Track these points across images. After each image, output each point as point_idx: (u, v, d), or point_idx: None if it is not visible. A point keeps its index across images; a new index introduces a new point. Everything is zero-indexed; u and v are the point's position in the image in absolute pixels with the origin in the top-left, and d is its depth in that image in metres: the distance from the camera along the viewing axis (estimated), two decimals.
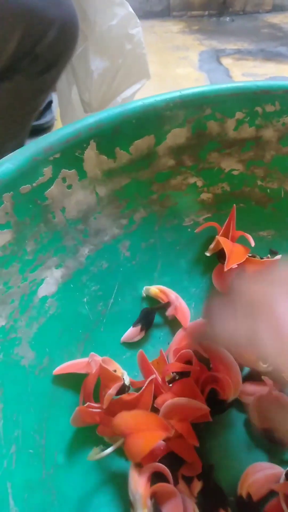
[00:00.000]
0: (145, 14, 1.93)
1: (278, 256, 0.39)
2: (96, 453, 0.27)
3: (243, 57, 1.52)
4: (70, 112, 0.79)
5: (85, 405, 0.30)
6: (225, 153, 0.40)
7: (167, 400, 0.29)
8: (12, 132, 0.30)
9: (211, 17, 1.96)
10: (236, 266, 0.37)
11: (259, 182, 0.42)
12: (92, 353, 0.33)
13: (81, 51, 0.70)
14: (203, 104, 0.37)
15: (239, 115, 0.38)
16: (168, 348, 0.36)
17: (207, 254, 0.41)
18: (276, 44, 1.63)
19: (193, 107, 0.37)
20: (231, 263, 0.37)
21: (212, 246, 0.41)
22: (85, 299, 0.35)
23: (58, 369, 0.32)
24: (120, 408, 0.29)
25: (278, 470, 0.29)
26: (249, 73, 1.37)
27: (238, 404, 0.33)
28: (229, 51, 1.58)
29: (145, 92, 0.52)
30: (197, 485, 0.28)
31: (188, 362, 0.33)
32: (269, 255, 0.41)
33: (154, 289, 0.39)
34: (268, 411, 0.29)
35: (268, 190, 0.42)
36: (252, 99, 0.38)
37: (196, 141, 0.39)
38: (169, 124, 0.37)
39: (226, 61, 1.47)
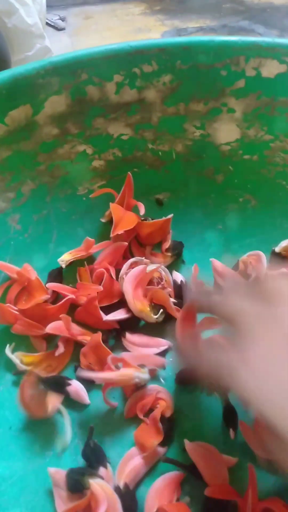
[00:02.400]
0: None
1: (170, 215, 0.39)
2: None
3: (206, 35, 1.49)
4: None
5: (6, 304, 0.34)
6: (111, 118, 0.40)
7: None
8: None
9: None
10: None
11: (150, 146, 0.41)
12: (26, 263, 0.36)
13: None
14: (77, 69, 0.37)
15: (117, 78, 0.38)
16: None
17: (102, 220, 0.41)
18: (238, 19, 1.61)
19: (67, 73, 0.37)
20: (118, 229, 0.37)
21: (107, 212, 0.41)
22: None
23: None
24: (37, 312, 0.34)
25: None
26: None
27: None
28: (191, 30, 1.56)
29: None
30: None
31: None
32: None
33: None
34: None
35: (160, 152, 0.41)
36: (128, 61, 0.38)
37: (78, 108, 0.39)
38: (44, 92, 0.37)
39: None
